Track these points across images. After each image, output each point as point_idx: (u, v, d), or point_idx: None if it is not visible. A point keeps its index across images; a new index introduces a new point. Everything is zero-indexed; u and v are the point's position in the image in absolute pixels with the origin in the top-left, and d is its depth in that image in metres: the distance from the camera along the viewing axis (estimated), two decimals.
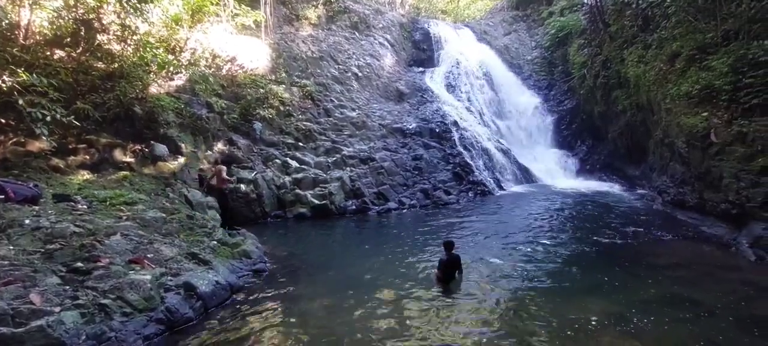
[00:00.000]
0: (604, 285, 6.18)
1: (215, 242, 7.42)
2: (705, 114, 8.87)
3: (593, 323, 4.95)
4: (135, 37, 10.37)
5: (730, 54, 8.84)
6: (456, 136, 15.58)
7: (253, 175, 11.63)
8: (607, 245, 8.13)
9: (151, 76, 10.68)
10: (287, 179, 12.16)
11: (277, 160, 12.67)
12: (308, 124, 14.52)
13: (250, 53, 14.58)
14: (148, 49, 10.42)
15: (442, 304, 5.62)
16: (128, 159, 9.75)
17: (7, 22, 8.69)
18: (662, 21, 12.02)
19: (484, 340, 4.65)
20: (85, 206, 7.16)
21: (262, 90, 13.83)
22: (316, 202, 11.68)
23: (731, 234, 8.00)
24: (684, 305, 5.40)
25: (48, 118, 7.60)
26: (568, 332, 4.73)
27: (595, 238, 8.57)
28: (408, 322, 5.13)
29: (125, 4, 9.73)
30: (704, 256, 7.41)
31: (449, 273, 6.32)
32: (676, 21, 11.16)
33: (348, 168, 13.21)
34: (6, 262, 4.92)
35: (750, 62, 8.27)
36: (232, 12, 13.60)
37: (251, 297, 6.09)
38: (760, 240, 7.16)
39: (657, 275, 6.48)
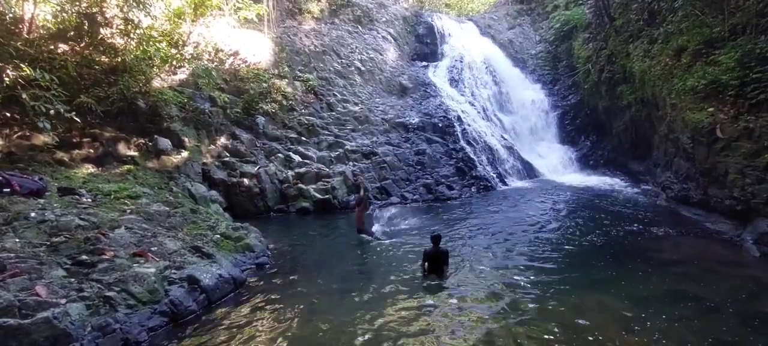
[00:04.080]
0: (607, 281, 6.18)
1: (218, 236, 7.46)
2: (711, 109, 8.80)
3: (596, 319, 4.96)
4: (138, 31, 10.36)
5: (737, 49, 8.74)
6: (459, 130, 15.53)
7: (256, 169, 11.66)
8: (610, 241, 8.11)
9: (154, 70, 10.68)
10: (290, 173, 12.18)
11: (280, 155, 12.68)
12: (311, 118, 14.51)
13: (252, 47, 14.56)
14: (151, 43, 10.42)
15: (439, 301, 5.63)
16: (132, 153, 9.80)
17: (11, 15, 8.71)
18: (668, 15, 11.88)
19: (486, 336, 4.66)
20: (89, 200, 7.21)
21: (264, 84, 13.82)
22: (319, 196, 11.70)
23: (736, 230, 7.96)
24: (688, 301, 5.39)
25: (51, 112, 7.64)
26: (571, 329, 4.73)
27: (598, 234, 8.55)
28: (405, 318, 5.14)
29: None
30: (708, 252, 7.37)
31: (435, 266, 6.44)
32: (683, 15, 11.03)
33: (350, 163, 13.21)
34: (12, 254, 4.97)
35: (757, 57, 8.18)
36: (234, 6, 13.54)
37: (254, 291, 6.13)
38: (765, 237, 7.12)
39: (661, 271, 6.46)
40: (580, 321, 4.89)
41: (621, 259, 7.09)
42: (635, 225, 9.08)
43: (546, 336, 4.58)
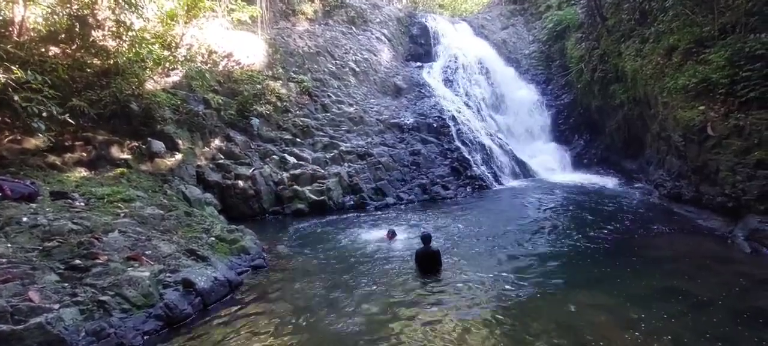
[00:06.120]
0: (600, 278, 6.23)
1: (213, 239, 7.42)
2: (702, 108, 8.90)
3: (590, 316, 4.99)
4: (130, 33, 10.30)
5: (727, 47, 8.84)
6: (454, 130, 15.58)
7: (250, 171, 11.61)
8: (603, 239, 8.17)
9: (147, 72, 10.63)
10: (285, 174, 12.15)
11: (275, 156, 12.65)
12: (306, 119, 14.49)
13: (246, 49, 14.52)
14: (143, 45, 10.36)
15: (434, 301, 5.61)
16: (125, 156, 9.72)
17: (0, 18, 8.62)
18: (659, 14, 12.01)
19: (480, 333, 4.68)
20: (82, 203, 7.14)
21: (259, 86, 13.79)
22: (314, 198, 11.68)
23: (727, 227, 8.05)
24: (680, 298, 5.45)
25: (44, 114, 7.58)
26: (564, 327, 4.76)
27: (591, 232, 8.61)
28: (401, 319, 5.15)
29: (120, 0, 9.66)
30: (700, 249, 7.45)
31: (428, 266, 6.50)
32: (674, 14, 11.16)
33: (346, 163, 13.21)
34: (4, 260, 4.91)
35: (747, 55, 8.28)
36: (227, 7, 13.52)
37: (250, 293, 6.11)
38: (756, 233, 7.21)
39: (653, 268, 6.52)
40: (574, 318, 4.93)
41: (615, 256, 7.15)
42: (628, 223, 9.16)
43: (540, 334, 4.61)
